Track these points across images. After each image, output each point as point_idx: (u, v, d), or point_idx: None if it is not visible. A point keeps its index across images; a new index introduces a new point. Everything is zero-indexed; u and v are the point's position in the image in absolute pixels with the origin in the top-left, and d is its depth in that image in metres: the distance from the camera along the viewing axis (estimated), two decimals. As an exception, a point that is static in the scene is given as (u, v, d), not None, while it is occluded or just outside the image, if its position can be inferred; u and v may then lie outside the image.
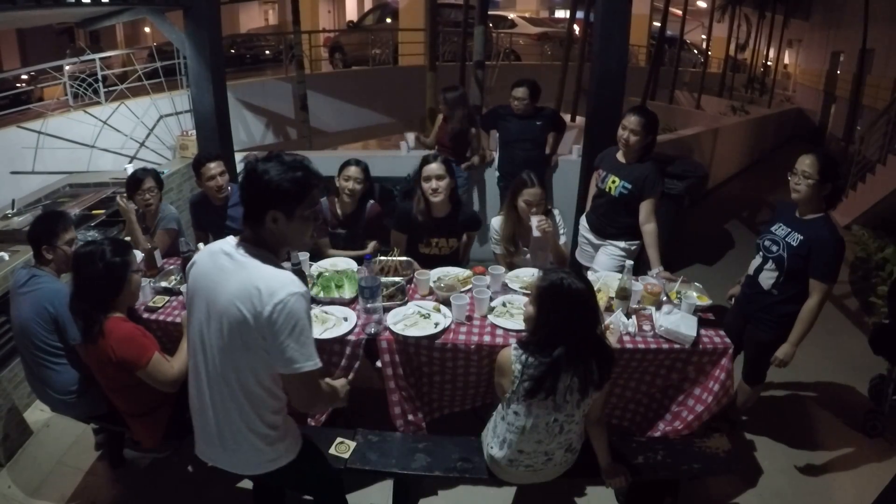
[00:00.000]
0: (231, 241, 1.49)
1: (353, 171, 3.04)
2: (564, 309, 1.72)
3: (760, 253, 2.48)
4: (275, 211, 1.41)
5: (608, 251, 3.10)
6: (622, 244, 3.05)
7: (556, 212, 2.90)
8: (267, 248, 1.46)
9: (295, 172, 1.40)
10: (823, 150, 2.33)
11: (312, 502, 2.13)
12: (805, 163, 2.27)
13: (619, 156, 2.98)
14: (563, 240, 2.91)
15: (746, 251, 2.65)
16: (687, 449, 2.15)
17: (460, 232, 2.99)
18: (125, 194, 3.08)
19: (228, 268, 1.44)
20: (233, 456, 1.59)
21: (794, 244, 2.32)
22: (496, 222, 2.93)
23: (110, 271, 1.96)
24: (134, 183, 3.07)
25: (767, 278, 2.43)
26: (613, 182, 2.96)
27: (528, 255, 2.91)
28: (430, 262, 2.84)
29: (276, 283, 1.38)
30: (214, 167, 3.13)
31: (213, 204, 3.24)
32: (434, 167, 2.76)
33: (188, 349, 1.59)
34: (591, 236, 3.21)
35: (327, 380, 1.66)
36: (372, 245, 3.13)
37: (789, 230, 2.36)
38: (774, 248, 2.39)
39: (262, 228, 1.43)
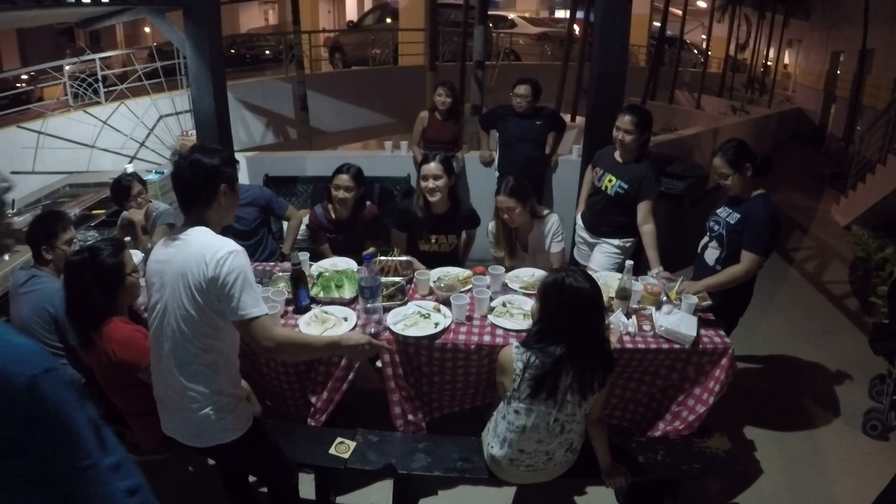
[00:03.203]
0: (180, 228, 1.68)
1: (343, 179, 2.91)
2: (565, 307, 1.73)
3: (707, 233, 2.65)
4: (224, 185, 1.65)
5: (603, 249, 3.10)
6: (616, 241, 3.06)
7: (555, 217, 2.87)
8: (208, 226, 1.65)
9: (220, 153, 1.67)
10: (726, 142, 2.50)
11: (269, 495, 2.16)
12: (716, 164, 2.48)
13: (617, 155, 2.98)
14: (560, 247, 2.86)
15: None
16: (687, 449, 2.15)
17: (459, 229, 2.99)
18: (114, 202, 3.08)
19: (174, 250, 1.61)
20: (187, 424, 1.70)
21: (732, 222, 2.50)
22: (491, 224, 2.93)
23: (102, 281, 1.95)
24: (124, 191, 3.06)
25: (711, 255, 2.63)
26: (610, 181, 2.96)
27: (526, 259, 2.91)
28: (430, 260, 2.84)
29: (216, 246, 1.57)
30: None
31: None
32: (432, 167, 2.76)
33: (149, 329, 1.71)
34: (585, 235, 3.22)
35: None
36: (371, 250, 3.11)
37: (730, 211, 2.55)
38: (716, 228, 2.59)
39: (210, 208, 1.65)
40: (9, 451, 0.70)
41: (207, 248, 1.56)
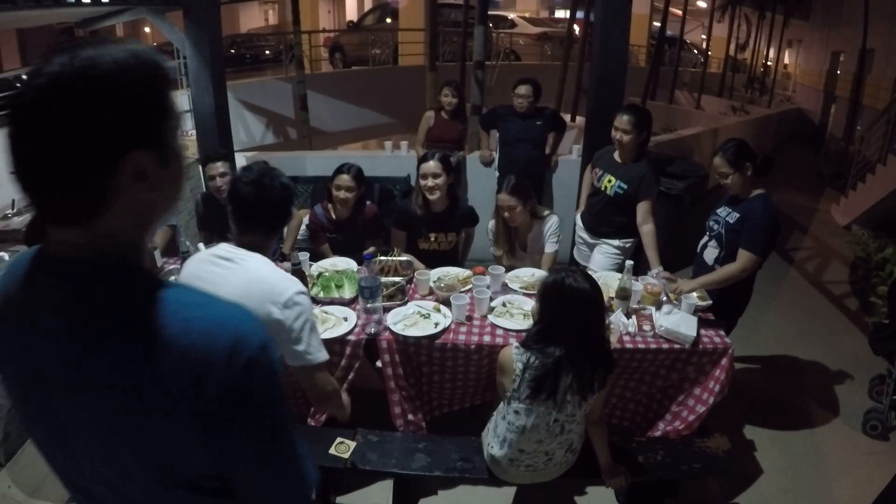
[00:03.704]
0: (224, 245, 1.58)
1: (344, 179, 2.89)
2: (565, 307, 1.73)
3: (707, 233, 2.66)
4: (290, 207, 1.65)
5: (603, 250, 3.10)
6: (616, 242, 3.06)
7: (554, 218, 2.87)
8: (259, 251, 1.55)
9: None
10: (727, 142, 2.50)
11: None
12: (716, 163, 2.48)
13: (616, 156, 2.98)
14: (553, 248, 2.85)
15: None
16: (687, 449, 2.15)
17: (458, 227, 2.99)
18: None
19: (224, 271, 1.51)
20: None
21: (732, 221, 2.51)
22: (491, 223, 2.94)
23: None
24: None
25: (710, 255, 2.64)
26: (609, 182, 2.96)
27: (525, 258, 2.91)
28: (429, 258, 2.84)
29: (281, 285, 1.48)
30: (217, 167, 3.10)
31: (219, 203, 3.20)
32: (431, 165, 2.77)
33: None
34: (585, 235, 3.22)
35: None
36: (371, 250, 3.10)
37: (730, 210, 2.55)
38: (716, 227, 2.60)
39: (275, 234, 1.61)
40: (263, 419, 0.69)
41: (272, 286, 1.47)
